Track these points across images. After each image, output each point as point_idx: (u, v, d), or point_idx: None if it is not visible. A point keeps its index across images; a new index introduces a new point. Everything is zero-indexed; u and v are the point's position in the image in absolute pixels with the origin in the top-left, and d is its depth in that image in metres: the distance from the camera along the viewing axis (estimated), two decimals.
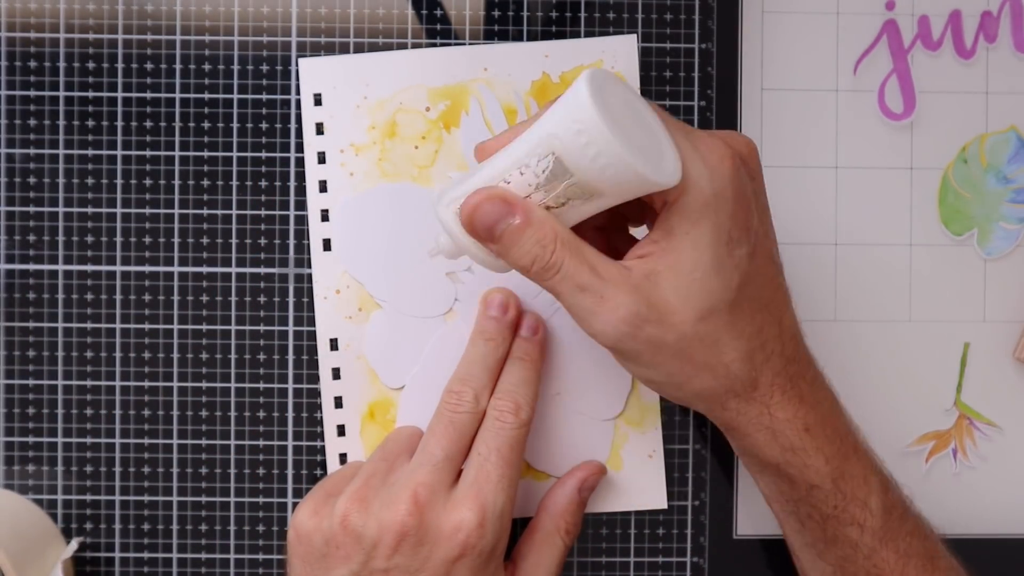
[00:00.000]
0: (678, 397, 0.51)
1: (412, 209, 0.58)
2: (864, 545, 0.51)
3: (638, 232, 0.54)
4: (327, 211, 0.58)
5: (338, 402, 0.59)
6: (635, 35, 0.59)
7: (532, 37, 0.59)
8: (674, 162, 0.46)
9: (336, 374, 0.59)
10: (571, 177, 0.46)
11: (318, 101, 0.58)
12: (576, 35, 0.59)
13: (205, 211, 0.59)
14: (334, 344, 0.59)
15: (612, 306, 0.46)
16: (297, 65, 0.59)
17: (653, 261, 0.47)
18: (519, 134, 0.47)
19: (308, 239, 0.59)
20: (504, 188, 0.46)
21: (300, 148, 0.59)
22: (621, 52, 0.59)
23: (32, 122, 0.59)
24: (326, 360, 0.59)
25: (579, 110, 0.44)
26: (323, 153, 0.58)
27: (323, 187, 0.58)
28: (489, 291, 0.57)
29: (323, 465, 0.59)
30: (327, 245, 0.58)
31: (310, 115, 0.58)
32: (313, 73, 0.58)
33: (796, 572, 0.56)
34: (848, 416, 0.53)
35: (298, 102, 0.59)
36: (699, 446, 0.60)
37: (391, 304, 0.58)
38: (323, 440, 0.59)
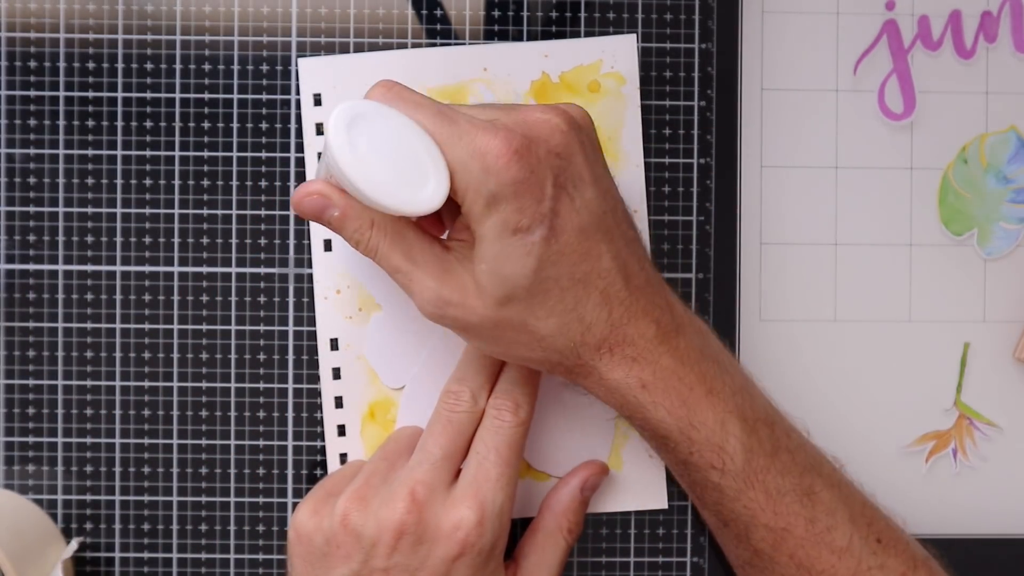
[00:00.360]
0: (511, 361, 0.54)
1: None
2: (728, 487, 0.52)
3: None
4: None
5: (338, 402, 0.59)
6: (635, 35, 0.59)
7: (532, 37, 0.59)
8: (436, 187, 0.48)
9: (336, 374, 0.59)
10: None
11: (318, 101, 0.58)
12: (576, 35, 0.59)
13: (205, 211, 0.59)
14: (334, 344, 0.59)
15: (419, 288, 0.50)
16: (297, 65, 0.59)
17: (462, 248, 0.51)
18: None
19: (309, 239, 0.59)
20: (324, 182, 0.50)
21: (300, 148, 0.59)
22: (621, 52, 0.59)
23: (32, 122, 0.59)
24: (326, 360, 0.59)
25: (327, 150, 0.48)
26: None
27: None
28: None
29: (323, 465, 0.59)
30: (328, 245, 0.58)
31: (310, 115, 0.58)
32: (313, 73, 0.58)
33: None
34: (706, 356, 0.54)
35: (298, 102, 0.59)
36: None
37: (392, 304, 0.58)
38: (323, 440, 0.59)
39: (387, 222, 0.50)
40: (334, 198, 0.50)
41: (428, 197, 0.48)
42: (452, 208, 0.51)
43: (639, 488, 0.60)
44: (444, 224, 0.55)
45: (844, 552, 0.53)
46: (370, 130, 0.49)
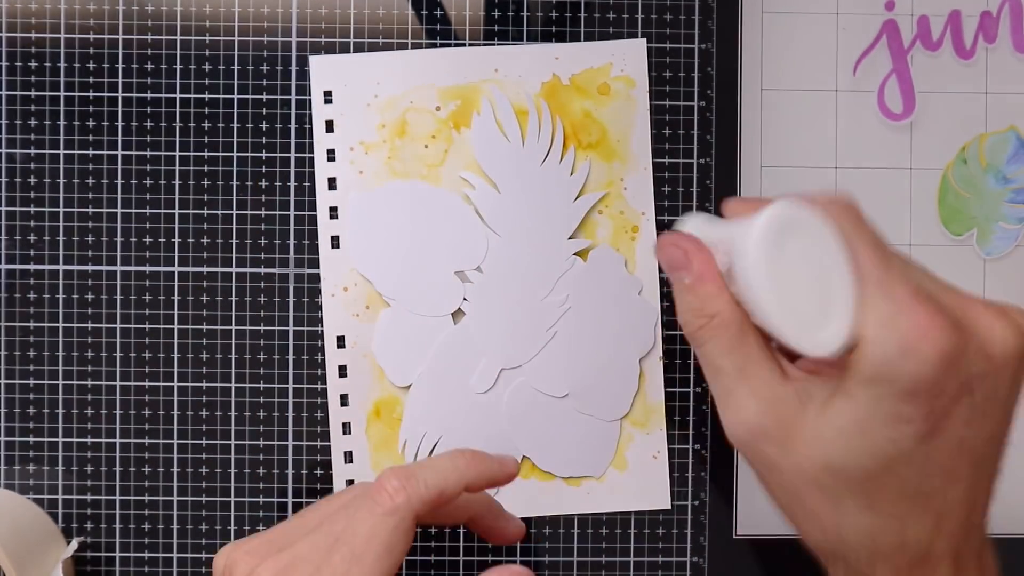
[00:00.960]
0: (793, 527, 0.46)
1: (421, 207, 0.58)
2: None
3: None
4: (336, 208, 0.58)
5: (344, 400, 0.59)
6: (645, 39, 0.59)
7: (532, 38, 0.59)
8: (839, 333, 0.41)
9: (342, 372, 0.59)
10: (737, 288, 0.43)
11: (328, 99, 0.59)
12: (576, 36, 0.59)
13: (205, 211, 0.59)
14: (341, 342, 0.59)
15: (736, 407, 0.43)
16: (298, 65, 0.59)
17: (814, 386, 0.43)
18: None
19: (317, 237, 0.59)
20: (699, 243, 0.44)
21: (300, 148, 0.59)
22: (631, 55, 0.59)
23: (32, 122, 0.59)
24: (332, 358, 0.59)
25: (746, 251, 0.42)
26: (333, 151, 0.58)
27: (332, 184, 0.58)
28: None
29: (324, 465, 0.59)
30: (335, 242, 0.59)
31: (320, 113, 0.58)
32: (324, 71, 0.59)
33: (795, 571, 0.56)
34: None
35: (299, 102, 0.59)
36: (699, 446, 0.60)
37: (399, 302, 0.58)
38: (324, 440, 0.59)
39: (734, 321, 0.43)
40: (696, 265, 0.44)
41: (822, 342, 0.41)
42: None
43: (643, 489, 0.60)
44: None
45: None
46: (795, 243, 0.42)
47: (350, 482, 0.59)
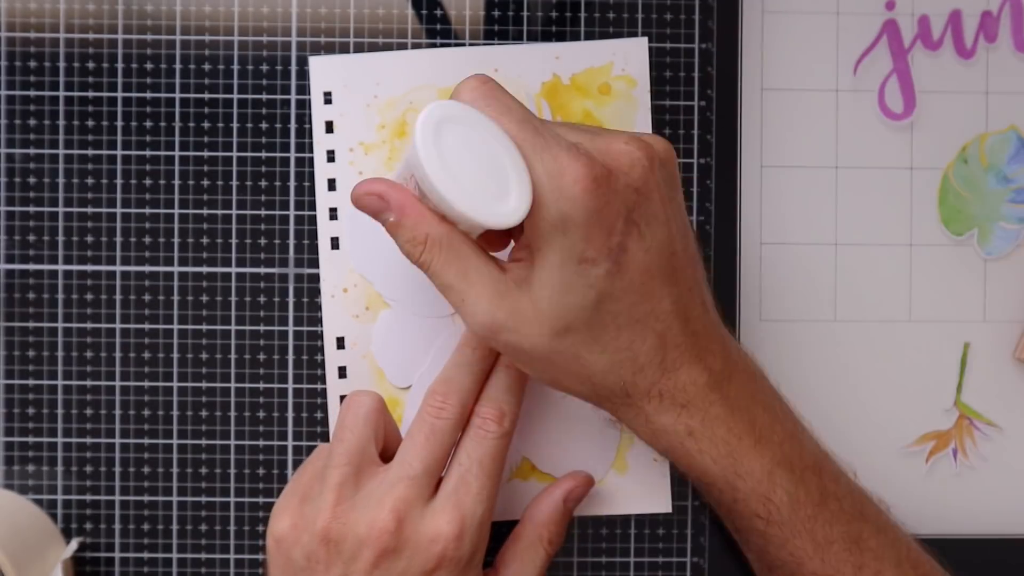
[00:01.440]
0: (558, 389, 0.53)
1: None
2: (774, 536, 0.52)
3: None
4: (335, 209, 0.58)
5: (344, 398, 0.59)
6: (646, 38, 0.59)
7: (532, 37, 0.59)
8: (519, 200, 0.47)
9: (342, 373, 0.59)
10: (429, 202, 0.48)
11: (328, 99, 0.58)
12: (576, 35, 0.59)
13: (205, 211, 0.59)
14: (341, 343, 0.59)
15: (472, 310, 0.49)
16: (297, 65, 0.59)
17: (521, 269, 0.49)
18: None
19: (316, 239, 0.59)
20: (389, 182, 0.49)
21: (300, 148, 0.59)
22: (632, 55, 0.59)
23: (32, 122, 0.59)
24: (332, 359, 0.59)
25: (413, 154, 0.47)
26: (332, 151, 0.58)
27: (332, 185, 0.58)
28: None
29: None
30: (335, 243, 0.58)
31: (320, 113, 0.58)
32: (323, 71, 0.58)
33: None
34: (768, 404, 0.53)
35: (298, 102, 0.59)
36: None
37: (399, 303, 0.58)
38: (324, 440, 0.59)
39: (444, 235, 0.49)
40: (392, 201, 0.49)
41: (510, 211, 0.47)
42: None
43: (643, 492, 0.60)
44: (502, 242, 0.53)
45: None
46: (457, 134, 0.47)
47: None
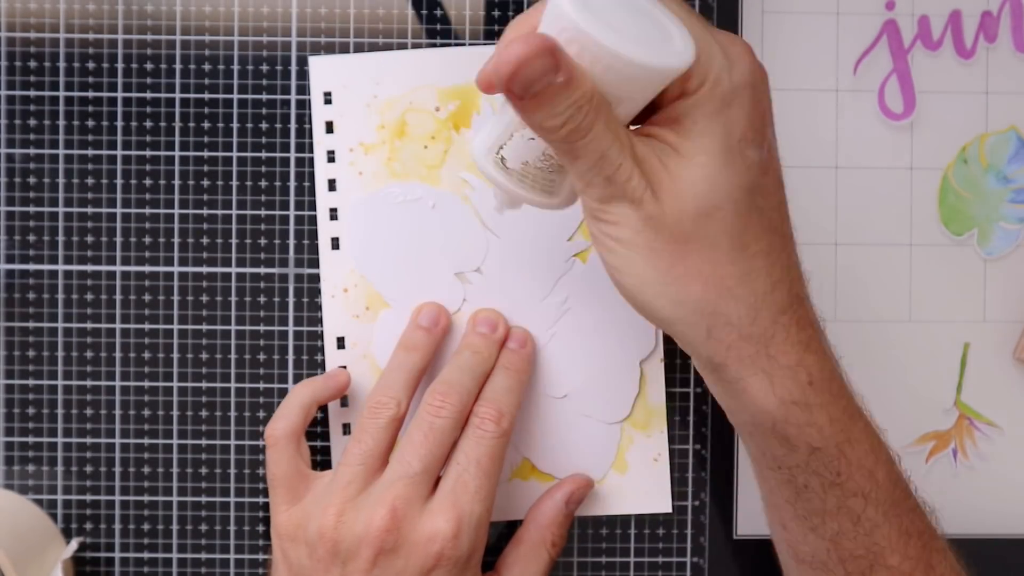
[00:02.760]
0: (661, 308, 0.45)
1: (421, 209, 0.58)
2: (867, 519, 0.47)
3: None
4: (335, 210, 0.58)
5: (343, 401, 0.59)
6: None
7: None
8: (683, 42, 0.42)
9: None
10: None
11: (328, 100, 0.58)
12: None
13: (205, 211, 0.59)
14: (341, 343, 0.59)
15: (624, 177, 0.42)
16: (297, 65, 0.59)
17: (661, 147, 0.43)
18: None
19: (317, 238, 0.59)
20: (542, 37, 0.40)
21: (300, 148, 0.59)
22: None
23: (32, 122, 0.59)
24: (332, 358, 0.59)
25: (559, 18, 0.41)
26: (332, 152, 0.58)
27: (332, 186, 0.58)
28: (479, 310, 0.58)
29: (324, 465, 0.59)
30: (335, 244, 0.58)
31: (319, 113, 0.58)
32: (323, 72, 0.58)
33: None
34: (847, 378, 0.48)
35: (298, 102, 0.59)
36: (699, 447, 0.60)
37: (400, 303, 0.58)
38: (324, 440, 0.59)
39: (601, 99, 0.41)
40: (562, 59, 0.40)
41: (680, 51, 0.41)
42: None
43: (643, 492, 0.60)
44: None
45: None
46: None
47: None
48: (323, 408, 0.59)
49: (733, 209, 0.43)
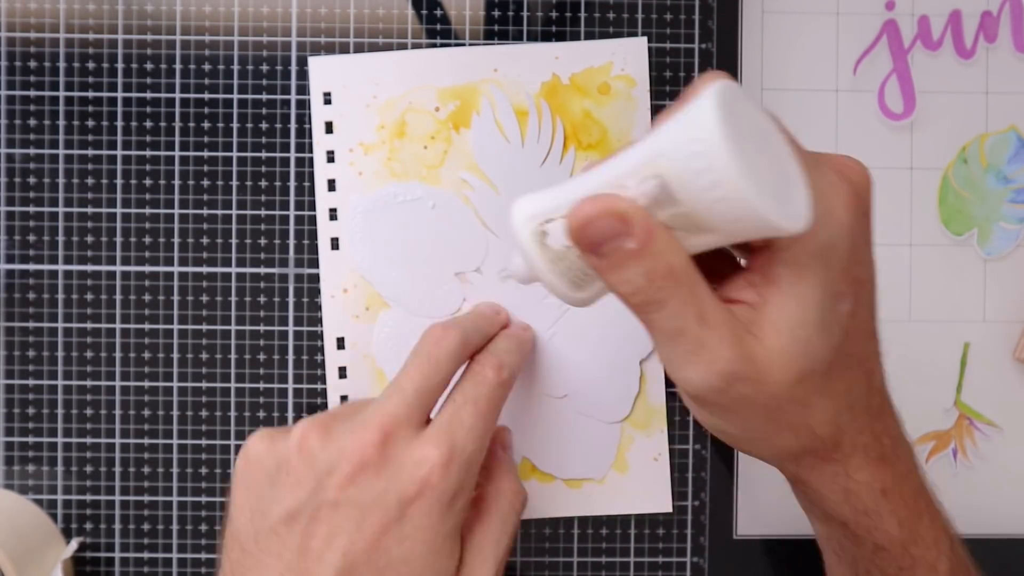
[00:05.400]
0: (750, 451, 0.46)
1: (421, 209, 0.58)
2: None
3: None
4: (335, 210, 0.58)
5: (344, 401, 0.59)
6: (646, 38, 0.59)
7: (533, 37, 0.59)
8: (804, 204, 0.38)
9: (342, 373, 0.59)
10: (677, 206, 0.38)
11: (327, 100, 0.58)
12: (577, 35, 0.59)
13: (205, 211, 0.59)
14: (341, 343, 0.59)
15: (709, 359, 0.40)
16: (297, 65, 0.59)
17: (755, 312, 0.41)
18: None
19: (316, 239, 0.59)
20: (622, 201, 0.38)
21: (300, 148, 0.59)
22: (631, 54, 0.59)
23: (32, 122, 0.59)
24: (332, 359, 0.59)
25: (700, 129, 0.36)
26: (332, 152, 0.58)
27: (331, 186, 0.58)
28: (480, 303, 0.58)
29: None
30: (335, 244, 0.59)
31: (319, 114, 0.58)
32: (323, 72, 0.59)
33: (795, 571, 0.56)
34: (920, 467, 0.48)
35: (298, 102, 0.59)
36: (699, 446, 0.60)
37: (399, 304, 0.58)
38: None
39: (685, 267, 0.39)
40: (637, 223, 0.38)
41: (798, 214, 0.37)
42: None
43: (644, 491, 0.60)
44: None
45: None
46: (742, 118, 0.38)
47: None
48: (323, 409, 0.59)
49: (824, 369, 0.42)
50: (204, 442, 0.59)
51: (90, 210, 0.59)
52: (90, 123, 0.59)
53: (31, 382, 0.59)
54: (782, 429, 0.43)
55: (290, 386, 0.59)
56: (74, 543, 0.58)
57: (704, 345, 0.40)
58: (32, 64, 0.58)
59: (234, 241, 0.59)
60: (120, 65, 0.59)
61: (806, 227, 0.38)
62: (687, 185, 0.37)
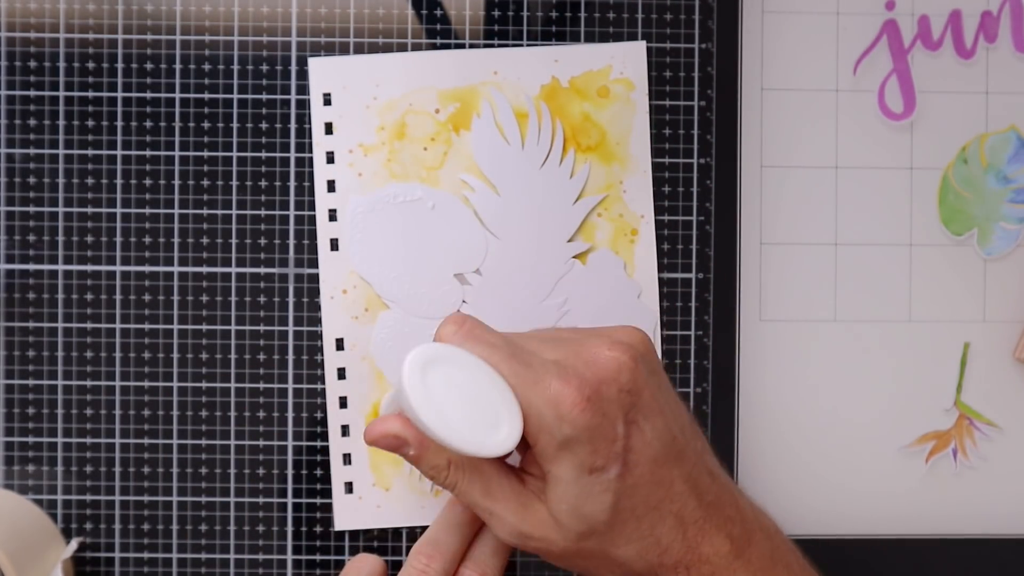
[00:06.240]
0: None
1: (420, 210, 0.58)
2: None
3: None
4: (335, 211, 0.58)
5: (343, 402, 0.59)
6: (645, 41, 0.59)
7: (532, 38, 0.59)
8: (509, 430, 0.48)
9: (341, 374, 0.59)
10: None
11: (327, 101, 0.58)
12: (576, 36, 0.59)
13: (205, 211, 0.59)
14: (340, 344, 0.59)
15: (499, 523, 0.50)
16: (297, 65, 0.59)
17: (542, 482, 0.50)
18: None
19: (316, 239, 0.59)
20: (397, 420, 0.50)
21: (300, 148, 0.59)
22: (631, 58, 0.59)
23: (32, 122, 0.59)
24: (331, 360, 0.59)
25: (401, 393, 0.48)
26: (332, 153, 0.58)
27: (331, 187, 0.58)
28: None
29: (323, 465, 0.59)
30: (334, 245, 0.59)
31: (319, 115, 0.58)
32: (323, 73, 0.58)
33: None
34: (768, 528, 0.53)
35: (298, 102, 0.59)
36: None
37: (399, 305, 0.58)
38: (323, 440, 0.59)
39: (464, 459, 0.50)
40: (410, 439, 0.50)
41: (501, 441, 0.48)
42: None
43: None
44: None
45: None
46: (444, 373, 0.49)
47: (348, 485, 0.59)
48: (323, 409, 0.59)
49: (605, 527, 0.50)
50: (204, 442, 0.59)
51: (90, 210, 0.59)
52: (90, 123, 0.59)
53: (31, 382, 0.59)
54: (596, 566, 0.51)
55: (290, 386, 0.59)
56: (74, 543, 0.58)
57: (493, 513, 0.51)
58: (32, 64, 0.58)
59: (234, 241, 0.59)
60: (120, 65, 0.59)
61: (510, 448, 0.48)
62: (412, 419, 0.48)
